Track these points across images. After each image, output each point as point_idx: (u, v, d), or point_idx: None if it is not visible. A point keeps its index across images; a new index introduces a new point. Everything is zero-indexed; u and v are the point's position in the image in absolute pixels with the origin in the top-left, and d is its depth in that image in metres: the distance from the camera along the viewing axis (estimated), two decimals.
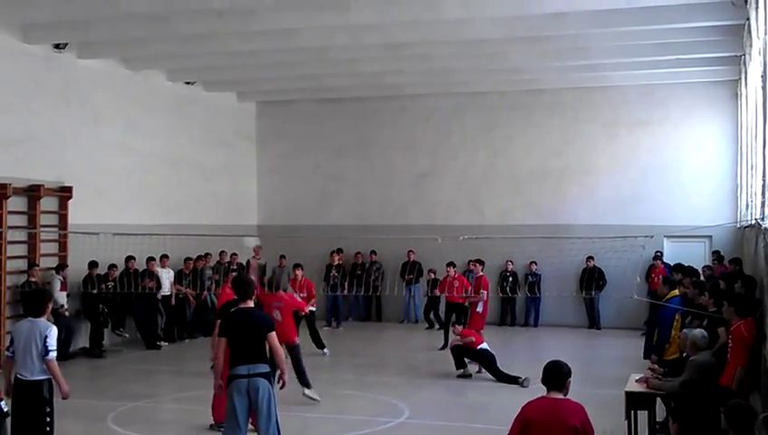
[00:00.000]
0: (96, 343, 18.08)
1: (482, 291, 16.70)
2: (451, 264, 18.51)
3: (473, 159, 24.05)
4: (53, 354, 8.67)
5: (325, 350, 17.84)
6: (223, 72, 21.59)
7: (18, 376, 8.65)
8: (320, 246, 22.84)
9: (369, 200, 24.76)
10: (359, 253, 23.72)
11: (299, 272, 17.75)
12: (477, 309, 16.69)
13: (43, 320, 8.84)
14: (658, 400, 10.02)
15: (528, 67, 20.66)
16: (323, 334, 18.65)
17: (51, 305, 9.48)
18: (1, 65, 16.73)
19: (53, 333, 8.74)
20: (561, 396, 6.66)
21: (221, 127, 24.19)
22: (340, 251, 23.55)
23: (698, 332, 9.43)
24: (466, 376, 15.28)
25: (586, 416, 6.55)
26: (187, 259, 20.41)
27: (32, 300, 9.20)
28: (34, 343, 8.60)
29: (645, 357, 12.77)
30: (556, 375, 6.71)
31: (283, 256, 22.10)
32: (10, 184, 16.53)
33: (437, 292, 19.93)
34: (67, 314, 17.22)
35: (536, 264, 22.45)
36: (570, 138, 23.32)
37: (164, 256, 19.60)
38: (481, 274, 17.23)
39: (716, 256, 19.15)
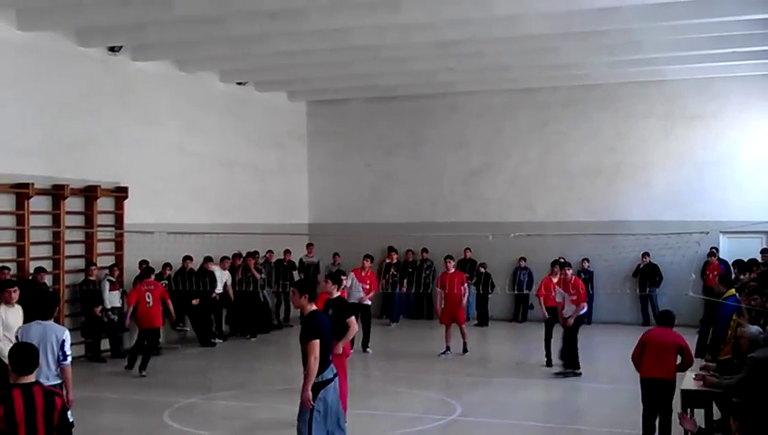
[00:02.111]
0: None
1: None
2: (566, 264, 16.14)
3: (525, 156, 23.92)
4: (70, 359, 8.66)
5: (368, 349, 17.93)
6: (274, 73, 21.76)
7: None
8: (371, 245, 22.94)
9: (421, 198, 24.76)
10: (410, 250, 23.73)
11: (367, 263, 17.84)
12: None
13: (55, 324, 8.85)
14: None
15: (580, 62, 20.48)
16: (376, 331, 18.72)
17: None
18: (58, 69, 17.08)
19: (69, 337, 8.74)
20: (669, 329, 10.26)
21: (272, 127, 24.39)
22: (393, 250, 23.63)
23: (755, 328, 9.27)
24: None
25: (686, 343, 10.21)
26: (236, 255, 20.60)
27: (42, 302, 8.93)
28: (51, 347, 8.50)
29: (698, 355, 12.57)
30: (668, 317, 10.48)
31: (336, 254, 22.24)
32: (68, 185, 16.89)
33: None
34: (111, 315, 17.33)
35: (588, 261, 22.24)
36: (623, 133, 23.06)
37: (224, 258, 19.84)
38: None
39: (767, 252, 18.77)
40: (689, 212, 21.29)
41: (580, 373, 14.88)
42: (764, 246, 20.26)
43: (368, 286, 17.55)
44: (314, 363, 8.36)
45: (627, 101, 22.98)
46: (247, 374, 15.81)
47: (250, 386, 14.82)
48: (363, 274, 17.66)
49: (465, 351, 17.75)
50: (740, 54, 19.11)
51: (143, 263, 17.87)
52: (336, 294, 11.11)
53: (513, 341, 21.13)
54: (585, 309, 14.95)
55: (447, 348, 17.65)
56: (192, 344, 19.23)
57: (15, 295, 10.49)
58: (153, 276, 16.71)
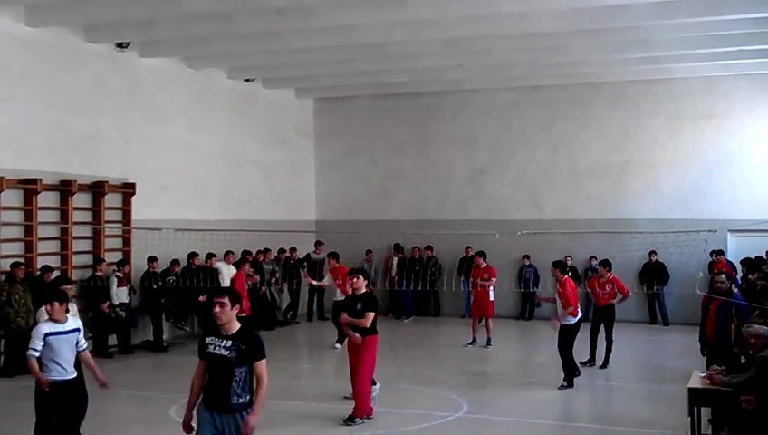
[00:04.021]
0: (158, 336, 18.38)
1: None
2: (605, 263, 16.49)
3: (532, 154, 23.87)
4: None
5: (337, 346, 17.98)
6: (282, 70, 21.76)
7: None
8: (378, 242, 23.00)
9: (428, 196, 24.74)
10: (416, 248, 23.74)
11: (332, 261, 18.01)
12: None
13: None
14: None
15: (589, 60, 20.44)
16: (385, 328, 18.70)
17: None
18: (66, 65, 17.12)
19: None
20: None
21: (280, 124, 24.40)
22: (400, 248, 23.72)
23: (764, 327, 9.24)
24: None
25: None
26: (245, 252, 20.62)
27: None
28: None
29: (703, 353, 12.57)
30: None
31: (369, 251, 23.13)
32: (76, 181, 16.92)
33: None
34: (119, 311, 17.38)
35: (596, 259, 22.16)
36: (631, 131, 23.00)
37: (229, 253, 19.84)
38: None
39: None
40: (697, 211, 21.25)
41: (580, 373, 14.64)
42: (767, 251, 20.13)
43: (340, 281, 17.44)
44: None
45: (635, 99, 22.91)
46: None
47: None
48: (335, 272, 17.92)
49: (488, 344, 18.21)
50: (749, 53, 19.05)
51: (152, 259, 18.01)
52: (363, 289, 11.83)
53: (519, 339, 21.12)
54: (577, 317, 14.60)
55: (474, 339, 18.27)
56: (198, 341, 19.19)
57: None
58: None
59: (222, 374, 7.18)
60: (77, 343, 9.03)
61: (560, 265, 14.91)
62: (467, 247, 22.67)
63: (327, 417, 12.02)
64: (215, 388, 7.21)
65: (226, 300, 7.24)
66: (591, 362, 16.00)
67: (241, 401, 7.17)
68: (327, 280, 18.33)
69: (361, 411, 11.60)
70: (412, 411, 12.56)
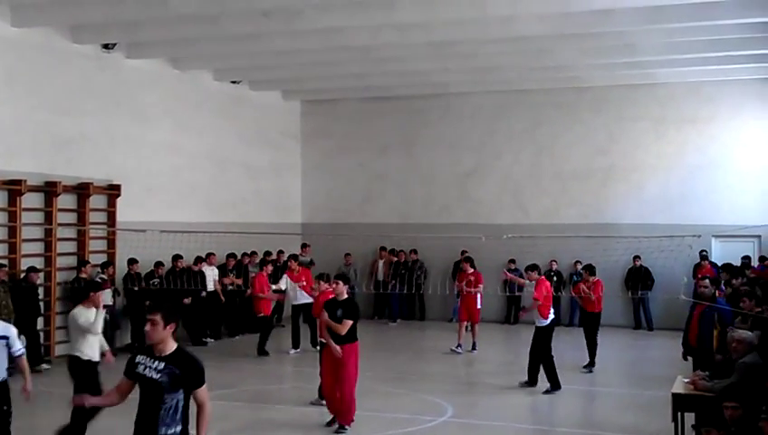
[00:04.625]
0: (139, 338, 18.29)
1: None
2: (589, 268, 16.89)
3: (517, 158, 23.93)
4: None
5: (291, 351, 18.17)
6: (268, 72, 21.74)
7: None
8: (363, 244, 22.98)
9: (413, 199, 24.76)
10: (402, 251, 23.72)
11: (293, 264, 18.31)
12: None
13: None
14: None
15: (574, 64, 20.50)
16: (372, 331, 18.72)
17: None
18: (51, 65, 17.04)
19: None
20: None
21: (266, 126, 24.36)
22: (391, 250, 23.82)
23: (747, 332, 9.29)
24: None
25: None
26: (230, 256, 20.58)
27: None
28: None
29: (684, 358, 12.61)
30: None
31: (348, 254, 23.30)
32: (60, 182, 16.85)
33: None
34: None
35: (581, 263, 22.20)
36: (616, 136, 23.09)
37: (210, 254, 19.77)
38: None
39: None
40: (681, 215, 21.33)
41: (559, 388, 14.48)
42: (759, 253, 20.28)
43: (304, 283, 17.72)
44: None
45: (619, 103, 23.01)
46: (238, 374, 15.77)
47: (240, 385, 14.79)
48: (295, 274, 18.13)
49: (473, 349, 18.27)
50: (733, 58, 19.17)
51: (132, 261, 17.96)
52: (345, 295, 11.60)
53: (504, 343, 21.15)
54: (549, 319, 14.67)
55: (459, 344, 18.17)
56: (183, 344, 19.11)
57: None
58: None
59: (150, 400, 6.38)
60: (10, 348, 9.15)
61: (535, 268, 15.07)
62: (464, 251, 22.58)
63: (313, 423, 12.01)
64: (142, 415, 6.42)
65: (159, 318, 6.41)
66: (591, 366, 16.16)
67: (170, 431, 6.33)
68: (284, 283, 18.24)
69: (349, 419, 11.53)
70: (397, 416, 12.56)
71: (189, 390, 6.40)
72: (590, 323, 16.52)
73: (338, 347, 11.31)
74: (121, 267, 18.22)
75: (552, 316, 14.51)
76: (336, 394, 11.56)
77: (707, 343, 11.47)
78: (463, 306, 18.64)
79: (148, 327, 6.42)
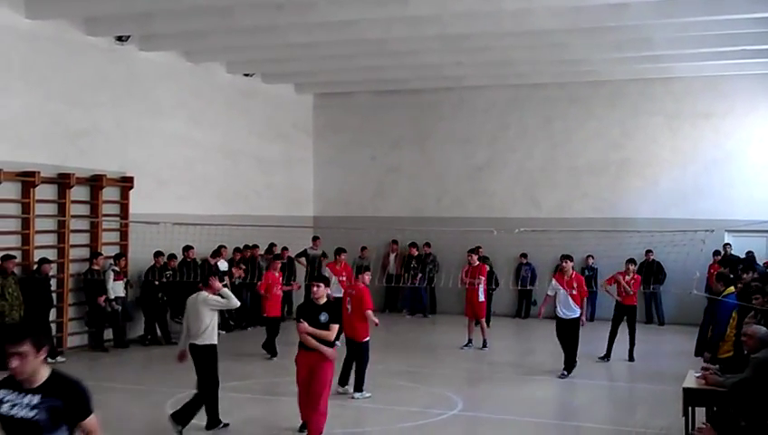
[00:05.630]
0: (152, 331, 18.36)
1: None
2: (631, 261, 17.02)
3: (531, 152, 23.86)
4: None
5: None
6: (281, 65, 21.74)
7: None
8: (375, 238, 22.97)
9: (426, 192, 24.73)
10: (414, 244, 23.71)
11: (343, 256, 17.70)
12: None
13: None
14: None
15: (588, 58, 20.42)
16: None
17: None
18: (65, 58, 17.08)
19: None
20: None
21: (279, 119, 24.37)
22: (395, 243, 23.71)
23: (760, 327, 9.23)
24: None
25: None
26: (236, 250, 20.62)
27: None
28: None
29: (696, 354, 12.56)
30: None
31: (364, 248, 23.01)
32: (73, 174, 16.90)
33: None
34: (115, 305, 17.36)
35: (593, 257, 22.14)
36: (630, 130, 22.98)
37: (222, 247, 19.80)
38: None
39: None
40: (695, 210, 21.24)
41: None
42: None
43: (344, 278, 17.14)
44: None
45: (634, 98, 22.90)
46: (248, 366, 15.81)
47: (252, 377, 14.83)
48: (337, 267, 17.55)
49: (484, 346, 17.91)
50: (749, 53, 19.04)
51: (158, 254, 18.13)
52: (325, 298, 10.79)
53: (515, 337, 21.12)
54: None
55: (470, 340, 17.99)
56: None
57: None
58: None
59: None
60: None
61: (570, 257, 15.33)
62: (478, 247, 22.50)
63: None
64: None
65: (28, 347, 5.04)
66: (608, 356, 16.41)
67: None
68: (326, 274, 17.12)
69: (319, 430, 10.36)
70: (407, 409, 12.56)
71: (74, 423, 5.20)
72: (627, 315, 16.80)
73: (329, 349, 10.40)
74: (134, 259, 18.25)
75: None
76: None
77: (719, 334, 11.45)
78: (466, 301, 18.22)
79: (15, 363, 5.05)
